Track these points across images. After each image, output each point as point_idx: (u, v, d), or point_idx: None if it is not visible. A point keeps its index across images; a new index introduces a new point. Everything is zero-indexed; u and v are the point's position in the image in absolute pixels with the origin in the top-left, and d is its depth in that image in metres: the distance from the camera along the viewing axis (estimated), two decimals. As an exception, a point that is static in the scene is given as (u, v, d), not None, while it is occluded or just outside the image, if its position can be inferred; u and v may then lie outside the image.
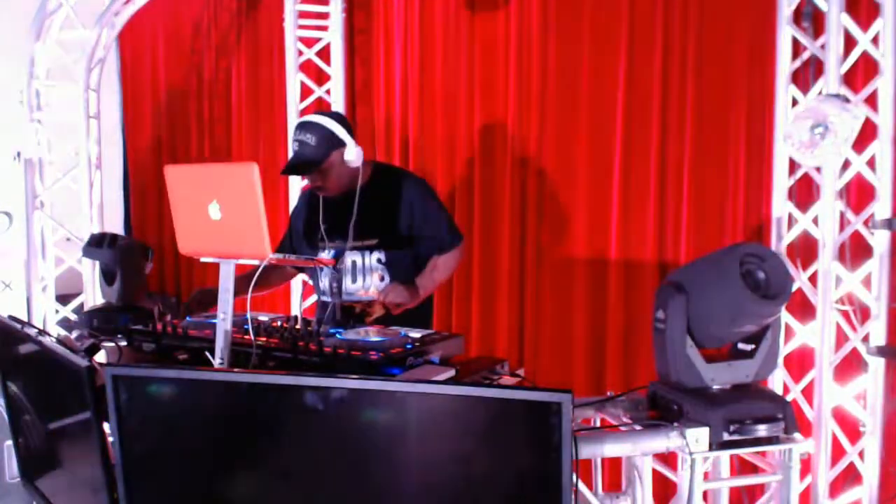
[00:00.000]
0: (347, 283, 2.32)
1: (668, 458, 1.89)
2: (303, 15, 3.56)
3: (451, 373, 1.69)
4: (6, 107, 3.73)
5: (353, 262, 2.32)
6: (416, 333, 1.86)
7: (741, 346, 1.72)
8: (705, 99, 2.85)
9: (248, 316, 1.81)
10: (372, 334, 1.81)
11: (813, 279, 2.45)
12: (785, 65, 2.51)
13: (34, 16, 3.63)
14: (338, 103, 3.63)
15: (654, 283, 2.92)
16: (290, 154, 2.31)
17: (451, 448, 1.22)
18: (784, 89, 2.51)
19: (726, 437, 1.58)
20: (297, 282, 3.62)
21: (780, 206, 2.55)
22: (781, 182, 2.54)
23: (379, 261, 2.32)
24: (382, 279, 2.32)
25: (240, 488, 1.33)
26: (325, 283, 2.38)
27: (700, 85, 2.85)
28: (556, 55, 3.16)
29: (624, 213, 3.01)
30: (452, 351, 1.83)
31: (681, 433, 1.57)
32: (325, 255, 2.34)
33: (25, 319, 1.91)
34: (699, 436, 1.57)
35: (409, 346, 1.72)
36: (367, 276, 2.32)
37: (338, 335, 1.80)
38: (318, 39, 3.62)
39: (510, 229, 3.30)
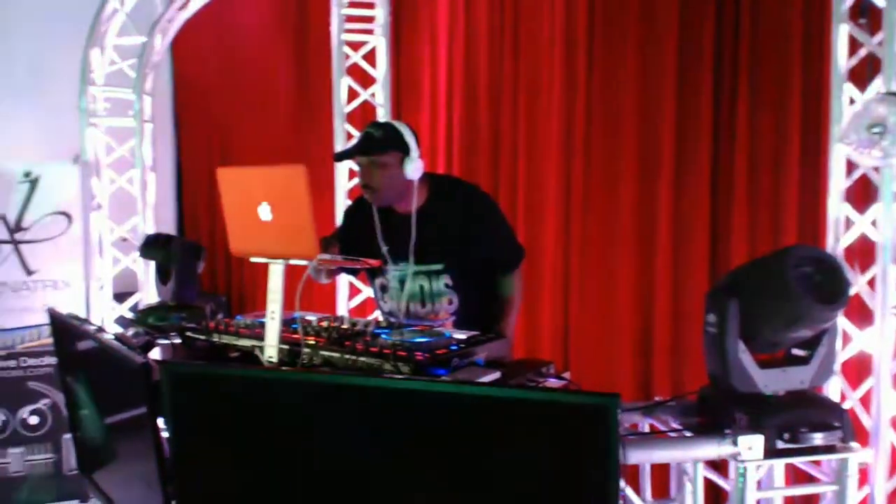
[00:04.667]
0: (417, 308, 2.29)
1: (719, 465, 1.85)
2: (349, 19, 3.60)
3: (497, 375, 1.69)
4: (65, 112, 3.87)
5: (421, 287, 2.27)
6: (461, 335, 1.86)
7: (796, 351, 1.68)
8: (759, 96, 2.78)
9: (297, 315, 1.84)
10: (417, 335, 1.81)
11: (871, 283, 2.37)
12: (841, 62, 2.43)
13: (91, 23, 3.75)
14: (383, 106, 3.65)
15: (703, 284, 2.86)
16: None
17: (495, 451, 1.21)
18: (840, 88, 2.43)
19: (780, 444, 1.55)
20: (344, 282, 3.66)
21: (837, 207, 2.47)
22: (838, 183, 2.46)
23: (447, 285, 2.26)
24: (451, 303, 2.28)
25: (286, 484, 1.35)
26: (390, 305, 2.33)
27: (753, 82, 2.78)
28: (603, 53, 3.12)
29: (674, 213, 2.96)
30: (499, 353, 1.83)
31: (733, 440, 1.54)
32: (392, 277, 2.29)
33: (84, 317, 1.98)
34: (752, 443, 1.54)
35: (454, 348, 1.72)
36: (435, 300, 2.28)
37: (384, 335, 1.81)
38: (364, 43, 3.66)
39: (555, 230, 3.27)
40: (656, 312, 3.02)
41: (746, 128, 2.80)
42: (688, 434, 1.63)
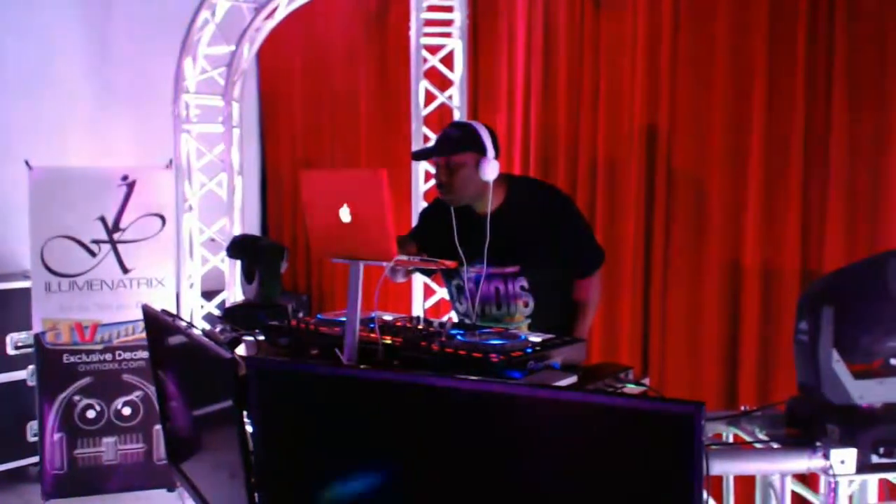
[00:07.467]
0: (492, 310, 2.28)
1: (807, 479, 1.76)
2: (428, 23, 3.63)
3: (573, 379, 1.67)
4: (160, 118, 4.08)
5: (497, 289, 2.26)
6: (536, 337, 1.85)
7: (894, 361, 1.58)
8: (855, 93, 2.63)
9: (374, 315, 1.87)
10: (492, 337, 1.81)
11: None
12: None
13: (183, 33, 3.94)
14: (460, 108, 3.67)
15: (794, 288, 2.73)
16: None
17: (570, 458, 1.19)
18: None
19: (875, 459, 1.47)
20: (419, 282, 3.69)
21: (943, 209, 2.32)
22: (944, 183, 2.31)
23: (522, 288, 2.25)
24: (527, 305, 2.27)
25: (364, 479, 1.37)
26: (465, 307, 2.33)
27: (849, 78, 2.63)
28: (688, 52, 3.03)
29: (762, 213, 2.83)
30: (574, 356, 1.80)
31: (824, 453, 1.47)
32: (467, 279, 2.29)
33: (175, 313, 2.07)
34: (845, 457, 1.46)
35: (529, 350, 1.71)
36: (511, 303, 2.27)
37: (459, 336, 1.82)
38: (442, 46, 3.69)
39: (634, 231, 3.20)
40: (743, 318, 2.90)
41: (841, 127, 2.66)
42: (776, 446, 1.56)
